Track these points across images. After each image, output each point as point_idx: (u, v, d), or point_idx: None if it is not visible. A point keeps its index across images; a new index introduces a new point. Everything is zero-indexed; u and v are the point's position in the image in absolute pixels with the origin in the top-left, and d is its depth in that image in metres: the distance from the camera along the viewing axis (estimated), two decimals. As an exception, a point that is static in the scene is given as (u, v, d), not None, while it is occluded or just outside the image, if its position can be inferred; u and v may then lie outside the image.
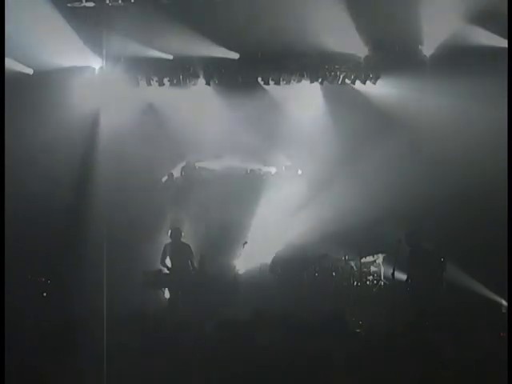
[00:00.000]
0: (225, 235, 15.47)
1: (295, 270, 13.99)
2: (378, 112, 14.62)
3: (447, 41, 14.74)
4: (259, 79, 15.57)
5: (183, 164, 16.44)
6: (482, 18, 14.14)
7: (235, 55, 15.63)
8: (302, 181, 15.48)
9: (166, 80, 15.95)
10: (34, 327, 7.48)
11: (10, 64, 15.20)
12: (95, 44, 15.65)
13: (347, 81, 15.32)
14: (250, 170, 16.33)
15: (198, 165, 16.32)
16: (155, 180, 15.76)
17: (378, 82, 15.07)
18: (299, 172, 15.81)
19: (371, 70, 15.22)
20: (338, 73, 15.28)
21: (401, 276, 13.03)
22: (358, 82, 15.21)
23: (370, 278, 14.10)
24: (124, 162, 15.83)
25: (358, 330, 11.86)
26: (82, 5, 14.69)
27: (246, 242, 14.51)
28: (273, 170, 15.96)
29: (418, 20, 14.41)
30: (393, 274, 12.33)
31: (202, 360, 3.27)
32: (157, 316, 10.16)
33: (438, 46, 14.79)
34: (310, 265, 14.11)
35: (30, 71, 16.11)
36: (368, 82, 15.15)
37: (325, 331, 6.79)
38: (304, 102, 15.15)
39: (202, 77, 15.81)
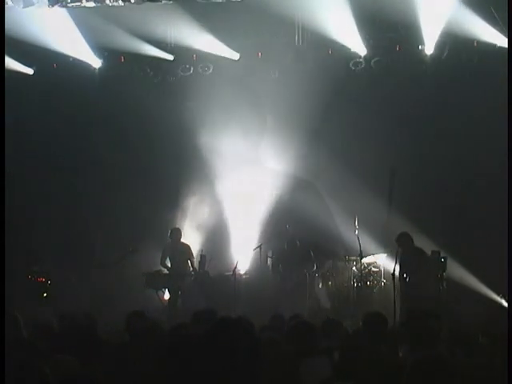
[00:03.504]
0: (225, 235, 15.45)
1: (296, 269, 13.99)
2: (377, 112, 14.60)
3: (447, 40, 14.75)
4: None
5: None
6: (482, 16, 14.14)
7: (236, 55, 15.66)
8: (302, 180, 15.47)
9: (166, 79, 15.97)
10: (34, 328, 7.47)
11: (9, 64, 15.20)
12: (96, 44, 15.66)
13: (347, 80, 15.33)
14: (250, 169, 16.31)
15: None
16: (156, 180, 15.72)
17: (378, 81, 15.05)
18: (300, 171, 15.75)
19: (371, 68, 15.23)
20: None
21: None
22: (357, 81, 15.19)
23: (371, 278, 14.09)
24: (124, 163, 15.82)
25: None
26: (82, 5, 14.68)
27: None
28: (274, 168, 15.91)
29: (418, 20, 14.42)
30: (393, 274, 12.32)
31: (202, 360, 3.26)
32: (157, 316, 10.16)
33: (437, 45, 14.79)
34: (311, 265, 14.10)
35: (30, 71, 16.12)
36: (368, 81, 15.13)
37: (325, 331, 6.79)
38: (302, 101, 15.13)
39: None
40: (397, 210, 14.27)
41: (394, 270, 12.20)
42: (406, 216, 14.01)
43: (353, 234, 14.37)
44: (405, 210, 14.17)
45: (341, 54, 15.19)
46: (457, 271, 13.63)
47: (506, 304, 13.18)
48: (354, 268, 14.06)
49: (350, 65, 15.25)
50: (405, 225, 13.57)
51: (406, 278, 12.72)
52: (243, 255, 14.66)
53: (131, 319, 7.36)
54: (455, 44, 14.78)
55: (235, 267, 14.00)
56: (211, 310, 7.37)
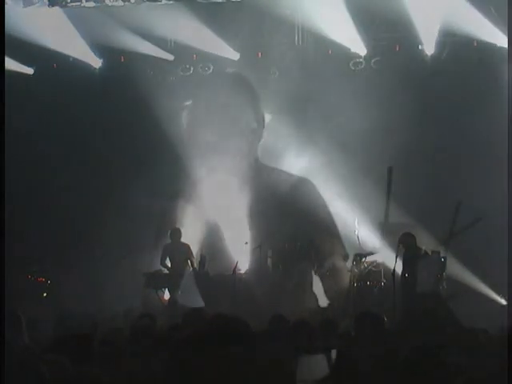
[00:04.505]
0: (224, 235, 15.44)
1: (296, 269, 14.00)
2: (377, 112, 14.58)
3: (447, 39, 14.77)
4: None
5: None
6: (483, 16, 14.15)
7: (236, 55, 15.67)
8: (303, 179, 15.47)
9: (166, 79, 15.98)
10: (34, 328, 7.48)
11: (9, 64, 15.19)
12: (96, 44, 15.66)
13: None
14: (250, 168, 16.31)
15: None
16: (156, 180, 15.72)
17: (378, 81, 15.04)
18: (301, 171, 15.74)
19: (371, 68, 15.25)
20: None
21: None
22: (357, 81, 15.18)
23: (371, 278, 14.07)
24: (124, 162, 15.82)
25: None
26: (82, 5, 14.70)
27: (246, 243, 14.50)
28: (274, 167, 15.89)
29: (417, 19, 14.43)
30: (393, 274, 12.32)
31: (202, 360, 3.26)
32: (156, 316, 10.15)
33: (437, 45, 14.80)
34: (311, 264, 14.11)
35: (30, 71, 16.12)
36: (368, 81, 15.13)
37: (325, 331, 6.79)
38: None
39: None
40: (397, 209, 14.26)
41: (394, 270, 12.19)
42: (405, 215, 14.00)
43: (353, 233, 14.37)
44: (405, 209, 14.16)
45: (341, 54, 15.20)
46: (457, 271, 13.62)
47: (505, 304, 13.18)
48: (354, 268, 14.04)
49: (350, 65, 15.27)
50: (404, 224, 13.58)
51: (407, 277, 12.70)
52: (243, 255, 14.66)
53: (130, 319, 7.37)
54: (455, 44, 14.80)
55: (235, 267, 13.98)
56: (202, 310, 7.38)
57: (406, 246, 12.58)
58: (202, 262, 14.52)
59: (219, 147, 15.44)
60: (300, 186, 15.33)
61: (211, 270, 14.54)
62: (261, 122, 15.87)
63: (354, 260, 14.05)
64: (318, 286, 14.19)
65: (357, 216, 14.40)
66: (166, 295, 14.33)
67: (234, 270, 13.93)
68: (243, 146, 15.68)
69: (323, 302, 13.98)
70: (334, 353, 5.24)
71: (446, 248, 13.15)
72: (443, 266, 13.30)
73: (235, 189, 15.35)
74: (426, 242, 13.28)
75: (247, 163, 15.72)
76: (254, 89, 15.75)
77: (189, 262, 14.49)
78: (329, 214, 15.07)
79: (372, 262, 14.15)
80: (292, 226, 14.84)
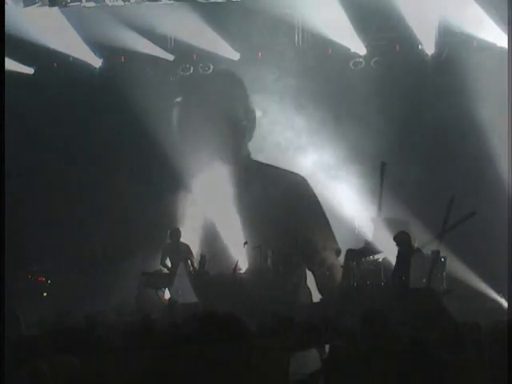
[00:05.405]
0: (222, 234, 15.44)
1: (296, 269, 14.00)
2: (377, 112, 14.59)
3: (447, 39, 14.78)
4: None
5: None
6: (483, 16, 14.16)
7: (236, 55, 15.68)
8: (304, 179, 15.47)
9: (166, 79, 15.99)
10: (34, 327, 7.49)
11: (9, 64, 15.19)
12: (96, 43, 15.67)
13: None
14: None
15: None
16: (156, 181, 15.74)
17: (378, 81, 15.05)
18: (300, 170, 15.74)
19: (371, 68, 15.26)
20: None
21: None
22: (357, 81, 15.19)
23: (371, 277, 14.06)
24: (124, 162, 15.83)
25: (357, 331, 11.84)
26: (82, 5, 14.71)
27: (246, 242, 14.49)
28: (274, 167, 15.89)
29: (417, 19, 14.44)
30: (393, 274, 12.30)
31: (202, 360, 3.27)
32: (156, 316, 10.16)
33: (437, 44, 14.81)
34: (311, 264, 14.12)
35: (30, 71, 16.13)
36: (368, 81, 15.13)
37: (324, 330, 6.79)
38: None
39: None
40: (397, 208, 14.26)
41: (394, 270, 12.20)
42: (400, 211, 14.00)
43: (353, 232, 14.37)
44: (404, 208, 14.17)
45: (341, 53, 15.21)
46: (457, 271, 13.61)
47: (506, 304, 13.17)
48: (353, 267, 14.03)
49: (350, 65, 15.27)
50: (398, 220, 13.60)
51: (402, 277, 12.71)
52: (243, 255, 14.66)
53: (127, 318, 7.37)
54: (455, 44, 14.80)
55: (235, 267, 13.99)
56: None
57: (399, 245, 12.62)
58: (202, 262, 14.53)
59: (209, 144, 15.40)
60: (293, 182, 15.32)
61: (211, 270, 14.54)
62: (251, 118, 15.85)
63: (352, 258, 14.04)
64: (317, 286, 14.19)
65: (353, 213, 14.42)
66: (166, 295, 14.34)
67: (235, 270, 13.94)
68: (234, 142, 15.69)
69: (323, 301, 13.97)
70: (333, 352, 5.26)
71: (440, 243, 13.15)
72: (443, 265, 13.30)
73: (228, 186, 15.35)
74: (420, 239, 13.29)
75: (239, 160, 15.72)
76: (244, 85, 15.73)
77: (189, 262, 14.50)
78: (322, 210, 15.06)
79: (372, 262, 14.15)
80: (287, 223, 14.86)
